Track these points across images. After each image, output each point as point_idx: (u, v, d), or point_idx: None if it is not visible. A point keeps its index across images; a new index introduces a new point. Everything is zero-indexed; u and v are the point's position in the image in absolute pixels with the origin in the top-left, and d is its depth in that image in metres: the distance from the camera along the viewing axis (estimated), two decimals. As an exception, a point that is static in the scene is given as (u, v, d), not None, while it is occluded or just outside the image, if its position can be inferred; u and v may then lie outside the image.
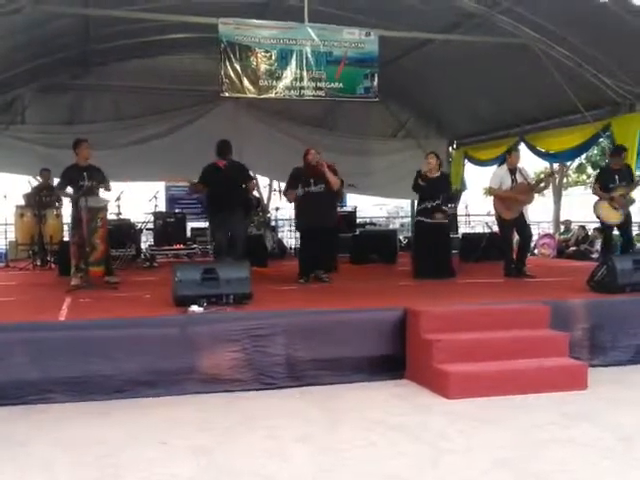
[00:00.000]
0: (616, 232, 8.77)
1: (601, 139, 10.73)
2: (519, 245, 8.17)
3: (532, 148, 11.69)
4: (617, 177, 8.26)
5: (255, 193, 7.89)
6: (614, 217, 8.26)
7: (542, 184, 8.36)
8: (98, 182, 7.16)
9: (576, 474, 3.35)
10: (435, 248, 7.67)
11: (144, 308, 5.62)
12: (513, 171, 7.83)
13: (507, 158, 8.12)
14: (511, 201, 7.74)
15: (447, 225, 7.97)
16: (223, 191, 7.37)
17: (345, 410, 4.47)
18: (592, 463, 3.50)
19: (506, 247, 8.05)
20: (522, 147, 11.78)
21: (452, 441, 3.84)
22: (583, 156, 16.82)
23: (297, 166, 7.68)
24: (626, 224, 8.40)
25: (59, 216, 9.82)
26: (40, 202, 9.64)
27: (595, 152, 17.75)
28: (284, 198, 8.37)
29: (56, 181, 10.00)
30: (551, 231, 15.51)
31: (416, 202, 8.17)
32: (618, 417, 4.28)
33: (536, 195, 8.15)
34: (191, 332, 4.94)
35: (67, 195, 7.25)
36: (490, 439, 3.87)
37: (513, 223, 7.84)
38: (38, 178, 10.02)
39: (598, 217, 8.51)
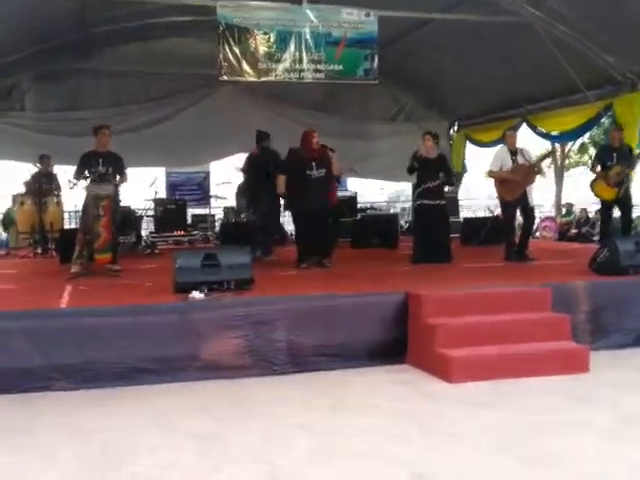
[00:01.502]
0: (617, 214, 8.75)
1: (603, 119, 10.66)
2: (522, 228, 8.13)
3: (534, 129, 11.61)
4: (615, 155, 8.24)
5: (281, 189, 7.61)
6: (607, 194, 8.24)
7: (541, 164, 8.27)
8: (114, 170, 7.12)
9: (577, 457, 3.35)
10: (434, 230, 7.58)
11: (145, 295, 5.61)
12: (514, 152, 7.74)
13: (505, 140, 8.06)
14: (511, 182, 7.68)
15: (446, 207, 7.84)
16: (252, 177, 7.36)
17: (346, 395, 4.47)
18: (594, 445, 3.50)
19: (507, 229, 8.01)
20: (524, 128, 11.74)
21: (454, 425, 3.84)
22: (585, 136, 16.72)
23: (293, 147, 7.49)
24: (624, 203, 8.37)
25: (59, 203, 9.80)
26: (40, 189, 9.60)
27: (597, 132, 17.62)
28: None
29: (57, 168, 10.06)
30: (552, 214, 15.47)
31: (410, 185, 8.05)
32: (620, 400, 4.28)
33: (538, 177, 8.04)
34: (192, 319, 4.93)
35: (75, 183, 7.15)
36: (492, 423, 3.87)
37: (515, 205, 7.79)
38: (38, 165, 9.97)
39: (594, 194, 8.51)
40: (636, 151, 8.79)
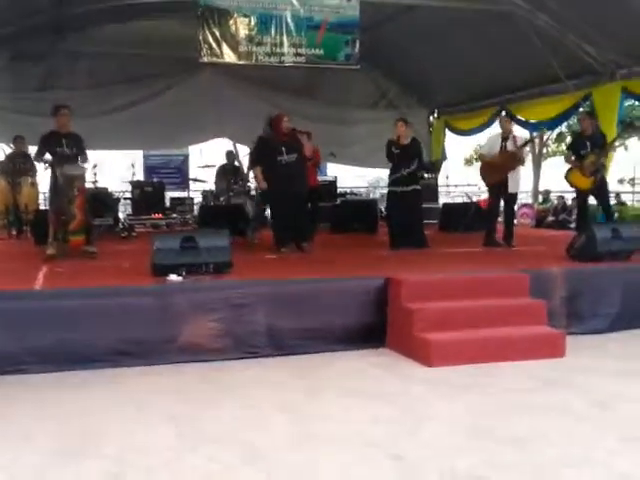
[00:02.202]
0: (594, 201, 8.82)
1: (581, 108, 10.73)
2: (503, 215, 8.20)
3: (513, 117, 11.64)
4: (589, 144, 8.25)
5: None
6: (583, 183, 8.27)
7: (522, 150, 8.22)
8: (77, 151, 7.00)
9: (551, 439, 3.39)
10: (408, 217, 7.60)
11: (122, 277, 5.55)
12: (505, 138, 7.79)
13: (500, 123, 8.16)
14: (491, 167, 7.77)
15: (420, 193, 7.84)
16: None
17: (326, 379, 4.47)
18: (568, 428, 3.54)
19: (488, 215, 8.06)
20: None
21: (432, 408, 3.86)
22: (563, 125, 16.86)
23: (261, 135, 7.32)
24: (599, 191, 8.42)
25: (34, 184, 9.63)
26: (14, 170, 9.43)
27: (575, 121, 17.77)
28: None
29: (31, 148, 9.86)
30: (530, 201, 15.60)
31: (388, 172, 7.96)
32: (594, 384, 4.33)
33: (520, 165, 8.05)
34: (170, 301, 4.88)
35: (45, 162, 7.04)
36: (470, 406, 3.90)
37: (496, 190, 7.84)
38: (11, 146, 9.79)
39: (569, 184, 8.55)
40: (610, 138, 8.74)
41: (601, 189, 8.38)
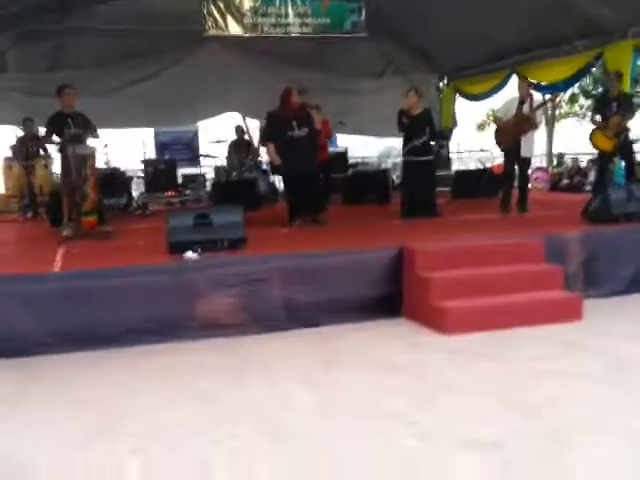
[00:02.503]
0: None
1: (594, 68, 10.56)
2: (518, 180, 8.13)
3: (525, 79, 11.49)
4: (614, 104, 8.15)
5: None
6: (606, 145, 8.20)
7: (535, 113, 8.08)
8: (85, 129, 7.01)
9: (567, 404, 3.41)
10: (421, 186, 7.59)
11: (138, 256, 5.57)
12: (522, 102, 7.67)
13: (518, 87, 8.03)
14: (503, 131, 7.71)
15: (434, 162, 7.83)
16: None
17: (344, 351, 4.51)
18: (585, 392, 3.57)
19: (503, 180, 8.04)
20: (514, 79, 11.62)
21: (449, 377, 3.90)
22: (576, 86, 16.59)
23: (271, 110, 7.21)
24: (624, 152, 8.34)
25: (47, 166, 9.66)
26: (27, 153, 9.47)
27: (587, 82, 17.50)
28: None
29: (41, 130, 9.88)
30: (544, 164, 15.44)
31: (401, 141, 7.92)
32: (612, 346, 4.35)
33: (534, 129, 7.95)
34: (187, 278, 4.92)
35: (54, 143, 7.08)
36: (486, 373, 3.93)
37: (509, 154, 7.78)
38: (21, 128, 9.81)
39: (592, 145, 8.46)
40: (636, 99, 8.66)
41: (625, 150, 8.28)
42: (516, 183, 8.08)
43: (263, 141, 7.39)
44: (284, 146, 7.05)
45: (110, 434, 3.25)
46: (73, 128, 6.87)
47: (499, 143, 7.91)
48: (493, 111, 8.11)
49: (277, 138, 7.12)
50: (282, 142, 7.05)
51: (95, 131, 7.14)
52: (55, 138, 6.98)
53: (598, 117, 8.33)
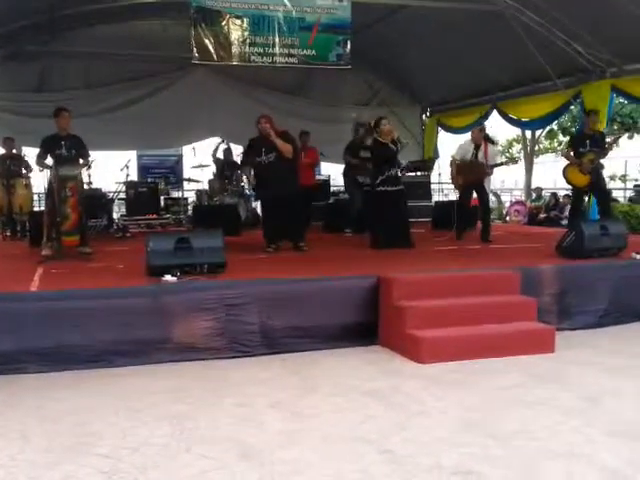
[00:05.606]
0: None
1: (572, 106, 10.82)
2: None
3: (504, 115, 11.77)
4: (588, 142, 8.37)
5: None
6: (580, 181, 8.41)
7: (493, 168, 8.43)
8: (77, 152, 7.08)
9: (539, 434, 3.46)
10: (398, 216, 7.66)
11: (117, 278, 5.58)
12: (477, 147, 8.18)
13: (471, 134, 8.59)
14: (464, 170, 8.27)
15: (405, 193, 7.84)
16: None
17: (318, 376, 4.53)
18: (556, 423, 3.62)
19: (458, 212, 8.48)
20: (495, 115, 11.88)
21: (422, 404, 3.93)
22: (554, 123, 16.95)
23: (252, 137, 7.41)
24: (599, 189, 8.56)
25: (28, 186, 9.66)
26: (8, 171, 9.45)
27: (566, 119, 17.88)
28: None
29: (25, 150, 9.90)
30: (522, 198, 15.68)
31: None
32: (584, 379, 4.42)
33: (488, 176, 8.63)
34: (165, 302, 4.94)
35: (45, 166, 7.10)
36: (460, 402, 3.97)
37: (467, 188, 8.33)
38: (3, 146, 9.80)
39: (566, 180, 8.67)
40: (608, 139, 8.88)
41: (598, 187, 8.49)
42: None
43: (240, 165, 7.74)
44: (257, 171, 7.43)
45: (82, 454, 3.24)
46: (65, 151, 6.95)
47: (456, 180, 8.44)
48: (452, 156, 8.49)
49: (249, 164, 7.62)
50: (255, 167, 7.42)
51: (86, 156, 7.20)
52: (49, 161, 7.04)
53: (572, 153, 8.54)
